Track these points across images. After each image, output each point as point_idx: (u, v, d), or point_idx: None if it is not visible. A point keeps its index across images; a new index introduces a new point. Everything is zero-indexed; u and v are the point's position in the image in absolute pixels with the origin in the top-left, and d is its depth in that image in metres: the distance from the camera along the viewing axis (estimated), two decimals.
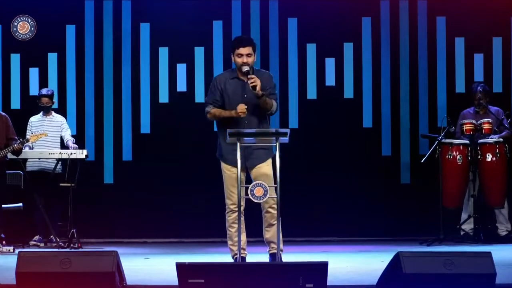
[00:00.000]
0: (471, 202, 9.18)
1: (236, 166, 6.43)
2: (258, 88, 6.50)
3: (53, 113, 9.56)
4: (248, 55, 6.63)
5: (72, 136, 9.73)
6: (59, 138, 9.47)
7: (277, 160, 6.28)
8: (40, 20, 9.85)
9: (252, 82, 6.49)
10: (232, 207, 6.66)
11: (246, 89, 6.66)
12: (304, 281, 5.04)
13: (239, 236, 6.38)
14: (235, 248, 6.64)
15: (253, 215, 6.79)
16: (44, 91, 9.52)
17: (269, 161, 6.70)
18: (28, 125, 9.49)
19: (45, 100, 9.46)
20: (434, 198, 9.19)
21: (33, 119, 9.54)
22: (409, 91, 10.29)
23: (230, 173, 6.68)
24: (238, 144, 6.30)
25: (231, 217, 6.69)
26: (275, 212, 6.55)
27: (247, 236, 6.77)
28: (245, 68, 6.60)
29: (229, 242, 6.75)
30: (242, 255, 6.54)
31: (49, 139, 9.32)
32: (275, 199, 6.43)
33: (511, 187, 9.20)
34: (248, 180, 6.67)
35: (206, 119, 6.85)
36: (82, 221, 9.25)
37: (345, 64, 10.29)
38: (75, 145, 9.22)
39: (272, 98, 6.70)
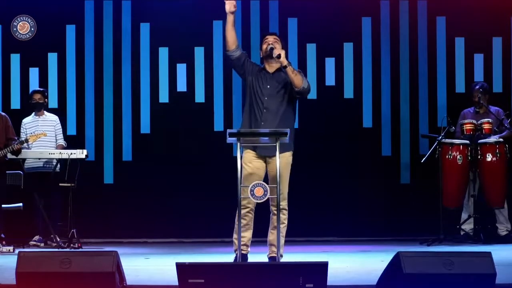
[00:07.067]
0: (471, 202, 9.17)
1: (255, 153, 6.54)
2: (282, 56, 6.52)
3: (45, 112, 9.50)
4: (274, 40, 6.69)
5: (72, 136, 9.73)
6: (55, 137, 9.44)
7: (277, 161, 6.26)
8: (40, 20, 9.82)
9: (277, 51, 6.53)
10: (243, 202, 6.56)
11: (268, 80, 6.71)
12: (304, 281, 5.04)
13: (239, 234, 6.36)
14: (237, 243, 6.63)
15: (256, 215, 6.77)
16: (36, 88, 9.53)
17: (285, 154, 6.64)
18: (22, 127, 9.39)
19: (37, 96, 9.41)
20: (434, 198, 9.18)
21: (26, 120, 9.46)
22: (409, 91, 10.29)
23: (247, 167, 6.64)
24: (238, 144, 6.29)
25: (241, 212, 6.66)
26: (283, 216, 6.55)
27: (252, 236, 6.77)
28: (270, 46, 6.62)
29: (234, 236, 6.72)
30: (243, 251, 6.55)
31: (45, 139, 9.25)
32: (284, 201, 6.46)
33: (511, 187, 9.20)
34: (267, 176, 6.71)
35: (207, 116, 6.79)
36: (82, 221, 9.25)
37: (345, 64, 10.29)
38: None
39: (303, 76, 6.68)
